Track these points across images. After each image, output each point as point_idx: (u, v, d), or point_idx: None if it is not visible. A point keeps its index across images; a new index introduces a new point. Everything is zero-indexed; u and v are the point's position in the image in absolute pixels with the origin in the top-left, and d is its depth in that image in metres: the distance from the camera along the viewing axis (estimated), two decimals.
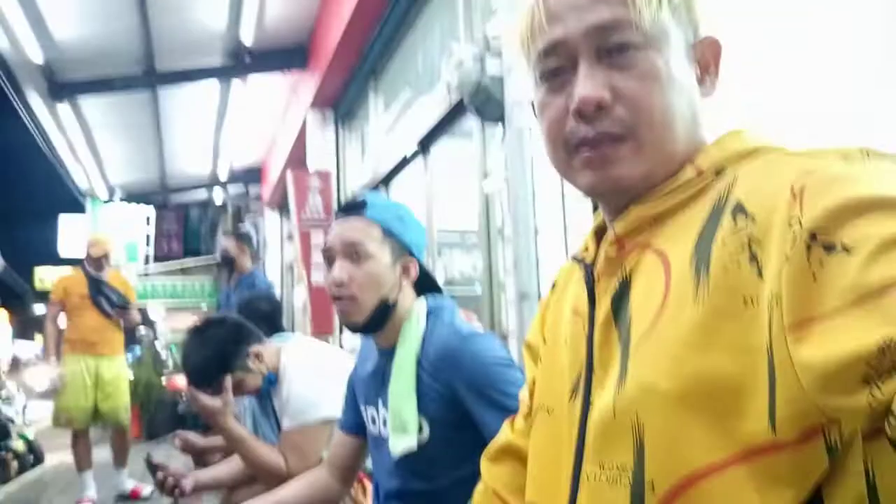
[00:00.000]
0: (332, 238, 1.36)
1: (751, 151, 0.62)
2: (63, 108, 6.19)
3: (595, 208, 2.27)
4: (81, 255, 4.56)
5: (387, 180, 4.97)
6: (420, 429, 1.28)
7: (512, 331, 2.34)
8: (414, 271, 1.40)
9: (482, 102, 2.47)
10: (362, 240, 1.33)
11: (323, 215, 5.67)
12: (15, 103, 5.88)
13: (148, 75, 5.76)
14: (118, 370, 4.46)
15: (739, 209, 0.55)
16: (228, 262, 4.49)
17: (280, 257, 9.05)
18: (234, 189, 10.48)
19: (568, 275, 0.80)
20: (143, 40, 5.36)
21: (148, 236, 12.73)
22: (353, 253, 1.33)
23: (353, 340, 4.94)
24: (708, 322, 0.53)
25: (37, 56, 5.14)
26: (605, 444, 0.60)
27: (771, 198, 0.52)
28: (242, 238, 4.65)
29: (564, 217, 2.37)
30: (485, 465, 0.87)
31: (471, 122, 3.49)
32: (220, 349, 1.94)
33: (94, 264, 4.42)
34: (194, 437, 2.46)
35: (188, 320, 13.88)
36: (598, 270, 0.68)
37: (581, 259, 0.71)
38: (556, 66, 0.66)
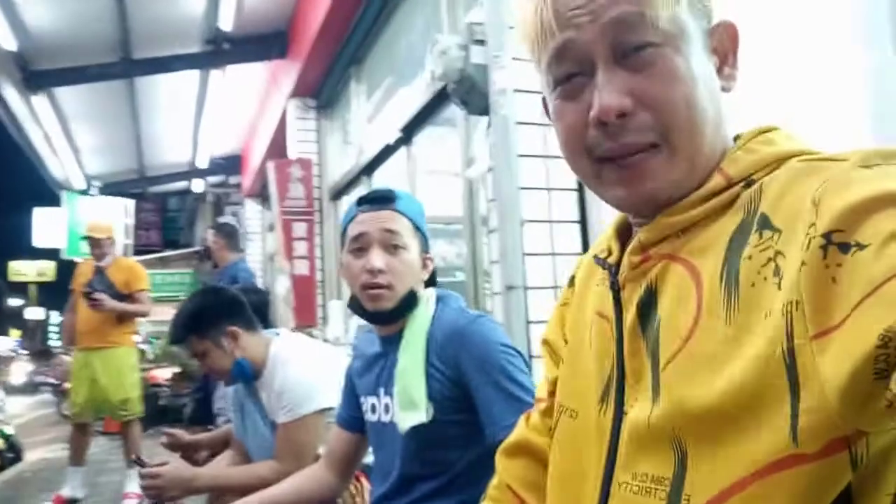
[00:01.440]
0: (366, 226, 1.37)
1: (779, 159, 0.59)
2: (38, 98, 6.06)
3: (581, 198, 2.24)
4: (56, 246, 4.47)
5: (369, 169, 4.94)
6: (426, 409, 1.29)
7: (499, 321, 2.33)
8: (431, 266, 1.44)
9: (466, 91, 2.45)
10: (400, 230, 1.37)
11: (304, 204, 5.62)
12: None
13: (124, 64, 5.65)
14: (109, 363, 4.25)
15: (765, 223, 0.54)
16: (208, 255, 4.44)
17: (262, 248, 8.98)
18: (214, 179, 10.35)
19: (587, 273, 0.77)
20: (119, 26, 5.25)
21: (126, 226, 12.57)
22: (391, 243, 1.36)
23: (336, 332, 4.92)
24: (737, 338, 0.52)
25: (9, 43, 5.01)
26: (639, 455, 0.59)
27: (795, 209, 0.52)
28: (220, 229, 4.58)
29: (550, 208, 2.37)
30: (500, 459, 0.87)
31: (454, 110, 3.48)
32: (199, 311, 1.98)
33: (90, 251, 4.34)
34: (180, 434, 2.42)
35: (168, 313, 13.71)
36: (623, 277, 0.66)
37: (603, 260, 0.70)
38: (569, 71, 0.62)
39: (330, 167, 5.96)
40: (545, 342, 0.84)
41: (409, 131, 4.14)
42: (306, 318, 5.44)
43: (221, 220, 8.94)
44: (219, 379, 2.10)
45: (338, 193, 5.74)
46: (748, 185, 0.59)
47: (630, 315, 0.63)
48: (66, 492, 4.18)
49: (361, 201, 1.42)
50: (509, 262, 2.26)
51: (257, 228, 9.13)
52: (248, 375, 2.00)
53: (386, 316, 1.37)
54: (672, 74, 0.59)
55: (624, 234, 0.70)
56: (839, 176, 0.50)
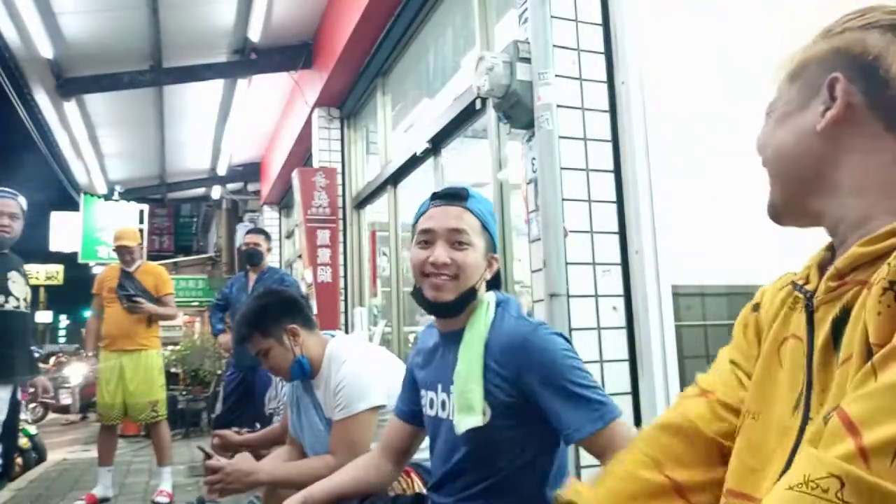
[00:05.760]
0: (435, 222, 1.42)
1: None
2: (69, 104, 6.18)
3: (620, 210, 2.32)
4: (72, 249, 4.54)
5: (395, 179, 5.03)
6: (483, 412, 1.33)
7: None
8: (496, 266, 1.47)
9: (510, 107, 2.54)
10: (466, 229, 1.41)
11: (328, 212, 5.72)
12: (20, 98, 5.87)
13: (155, 72, 5.77)
14: (139, 365, 4.34)
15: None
16: (256, 257, 4.53)
17: (279, 255, 9.08)
18: (232, 186, 10.48)
19: (783, 298, 0.86)
20: (152, 36, 5.38)
21: (140, 231, 12.67)
22: (457, 239, 1.40)
23: (362, 337, 4.99)
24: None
25: (46, 51, 5.15)
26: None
27: None
28: (264, 233, 4.72)
29: (591, 218, 2.45)
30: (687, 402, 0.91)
31: (483, 121, 3.57)
32: (262, 309, 2.07)
33: (120, 258, 4.45)
34: (230, 434, 2.50)
35: (181, 318, 13.69)
36: (819, 300, 0.75)
37: (801, 286, 0.80)
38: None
39: (354, 176, 6.06)
40: (732, 362, 0.92)
41: (438, 142, 4.23)
42: (329, 325, 5.52)
43: (242, 226, 9.04)
44: (278, 376, 2.18)
45: (361, 202, 5.83)
46: None
47: (823, 332, 0.71)
48: (99, 491, 4.25)
49: (435, 196, 1.46)
50: (552, 271, 2.34)
51: (275, 235, 9.24)
52: (308, 373, 2.08)
53: (446, 308, 1.41)
54: (770, 127, 0.83)
55: (824, 269, 0.79)
56: None
